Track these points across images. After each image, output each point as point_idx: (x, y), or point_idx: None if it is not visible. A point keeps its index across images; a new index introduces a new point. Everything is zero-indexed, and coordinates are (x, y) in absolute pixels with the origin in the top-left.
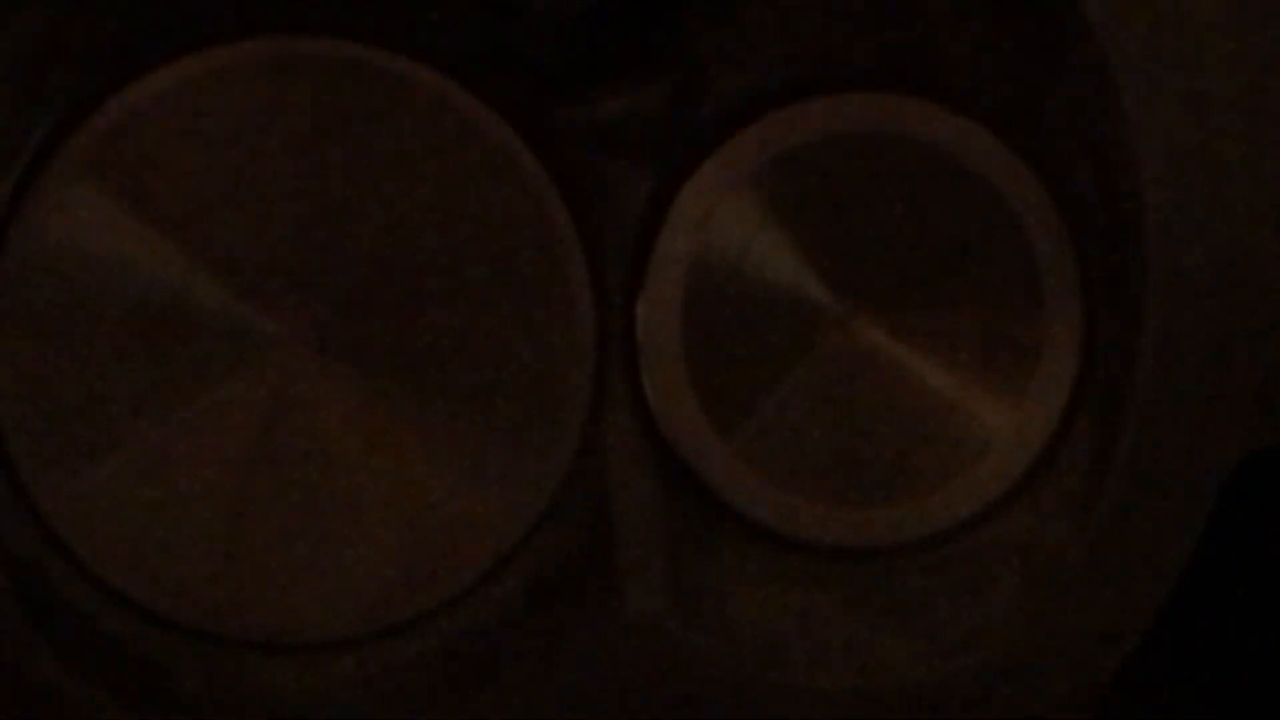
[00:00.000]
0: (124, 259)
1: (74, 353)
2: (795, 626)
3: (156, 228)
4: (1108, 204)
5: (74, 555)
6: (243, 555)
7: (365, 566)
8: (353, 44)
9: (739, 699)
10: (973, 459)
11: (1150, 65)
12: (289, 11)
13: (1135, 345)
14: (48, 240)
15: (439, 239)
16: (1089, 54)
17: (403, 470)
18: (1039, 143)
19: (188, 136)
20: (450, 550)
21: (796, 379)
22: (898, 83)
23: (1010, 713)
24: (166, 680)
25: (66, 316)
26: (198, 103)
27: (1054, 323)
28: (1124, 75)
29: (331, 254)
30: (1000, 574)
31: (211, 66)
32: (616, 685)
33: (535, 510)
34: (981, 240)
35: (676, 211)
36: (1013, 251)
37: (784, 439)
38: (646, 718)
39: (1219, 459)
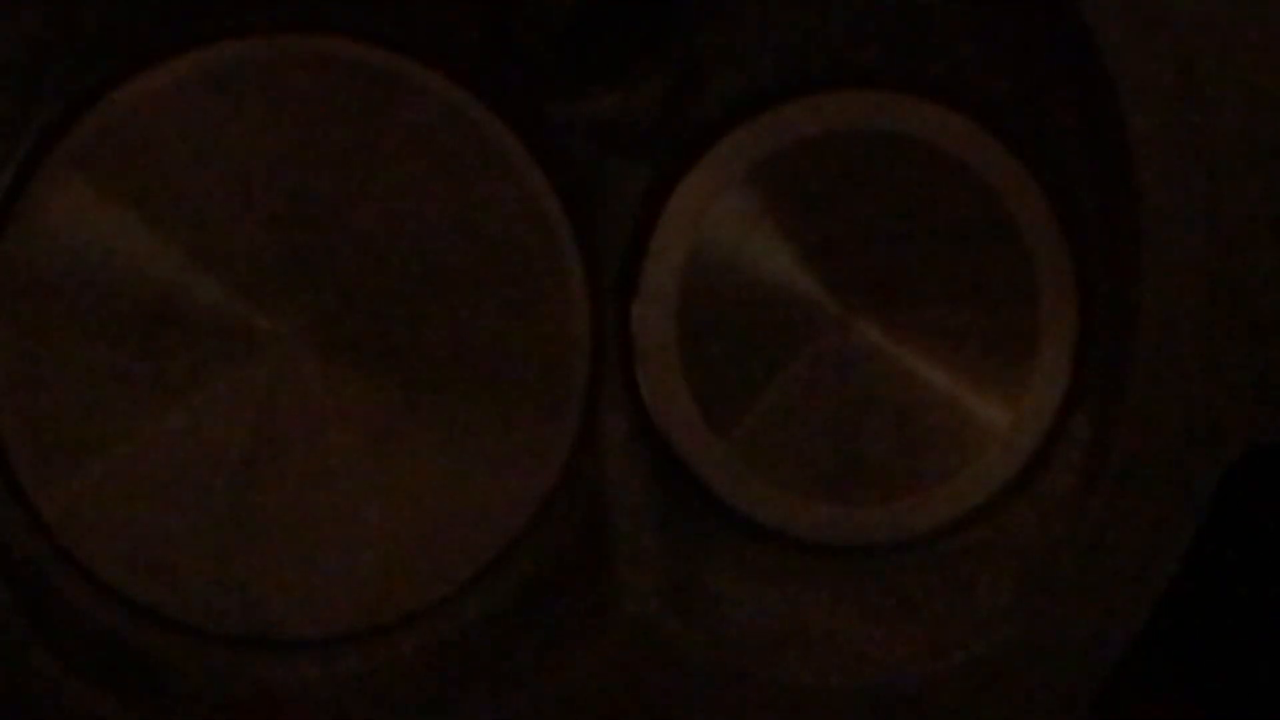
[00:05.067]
0: (120, 256)
1: (70, 349)
2: (790, 624)
3: (153, 225)
4: (1103, 202)
5: (70, 552)
6: (239, 552)
7: (361, 564)
8: (350, 42)
9: (733, 697)
10: (968, 457)
11: (1146, 64)
12: (288, 11)
13: (1131, 343)
14: (44, 236)
15: (435, 236)
16: (1085, 53)
17: (398, 468)
18: (1035, 141)
19: (185, 133)
20: (445, 548)
21: (792, 377)
22: (893, 80)
23: (1005, 711)
24: (163, 677)
25: (62, 313)
26: (196, 100)
27: (1049, 321)
28: (1120, 73)
29: (328, 251)
30: (995, 572)
31: (210, 64)
32: (611, 683)
33: (530, 508)
34: (977, 238)
35: (672, 209)
36: (1008, 249)
37: (779, 437)
38: (641, 715)
39: (1214, 457)
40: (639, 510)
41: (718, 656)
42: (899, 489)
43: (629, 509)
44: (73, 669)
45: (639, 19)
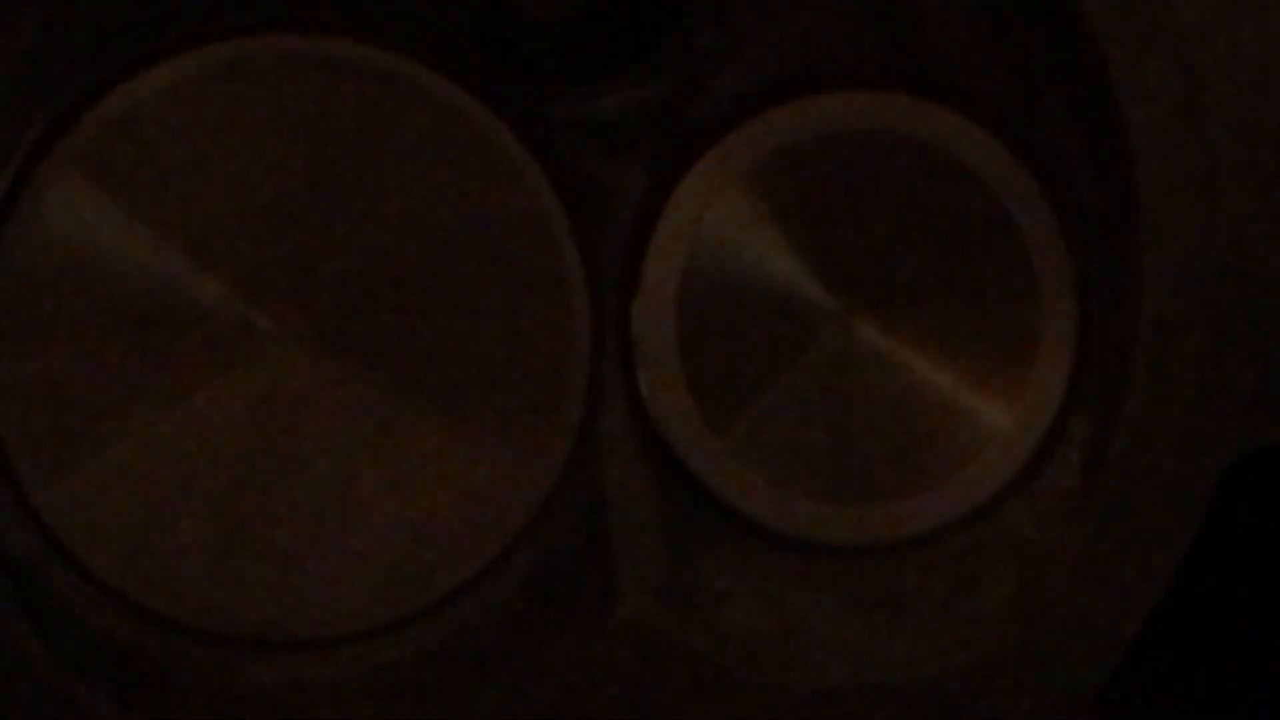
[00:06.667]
0: (120, 255)
1: (69, 349)
2: (790, 624)
3: (153, 224)
4: (1103, 202)
5: (69, 553)
6: (238, 553)
7: (360, 564)
8: (350, 41)
9: (733, 697)
10: (968, 456)
11: (1146, 64)
12: (288, 10)
13: (1131, 343)
14: (44, 236)
15: (435, 236)
16: (1085, 52)
17: (398, 468)
18: (1035, 140)
19: (185, 133)
20: (444, 548)
21: (791, 376)
22: (893, 80)
23: (1006, 711)
24: (163, 678)
25: (62, 313)
26: (196, 100)
27: (1050, 320)
28: (1120, 74)
29: (328, 250)
30: (996, 572)
31: (210, 64)
32: (611, 683)
33: (530, 508)
34: (977, 238)
35: (672, 209)
36: (1008, 249)
37: (779, 436)
38: (641, 715)
39: (1214, 457)
40: (639, 509)
41: (718, 656)
42: (899, 488)
43: (629, 508)
44: (72, 669)
45: (639, 19)
